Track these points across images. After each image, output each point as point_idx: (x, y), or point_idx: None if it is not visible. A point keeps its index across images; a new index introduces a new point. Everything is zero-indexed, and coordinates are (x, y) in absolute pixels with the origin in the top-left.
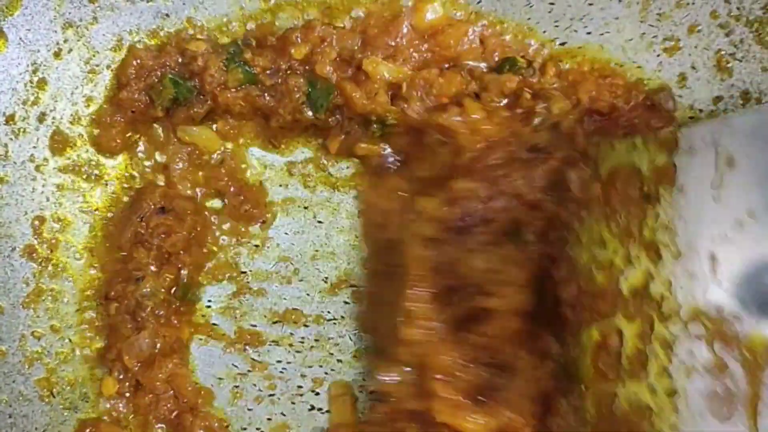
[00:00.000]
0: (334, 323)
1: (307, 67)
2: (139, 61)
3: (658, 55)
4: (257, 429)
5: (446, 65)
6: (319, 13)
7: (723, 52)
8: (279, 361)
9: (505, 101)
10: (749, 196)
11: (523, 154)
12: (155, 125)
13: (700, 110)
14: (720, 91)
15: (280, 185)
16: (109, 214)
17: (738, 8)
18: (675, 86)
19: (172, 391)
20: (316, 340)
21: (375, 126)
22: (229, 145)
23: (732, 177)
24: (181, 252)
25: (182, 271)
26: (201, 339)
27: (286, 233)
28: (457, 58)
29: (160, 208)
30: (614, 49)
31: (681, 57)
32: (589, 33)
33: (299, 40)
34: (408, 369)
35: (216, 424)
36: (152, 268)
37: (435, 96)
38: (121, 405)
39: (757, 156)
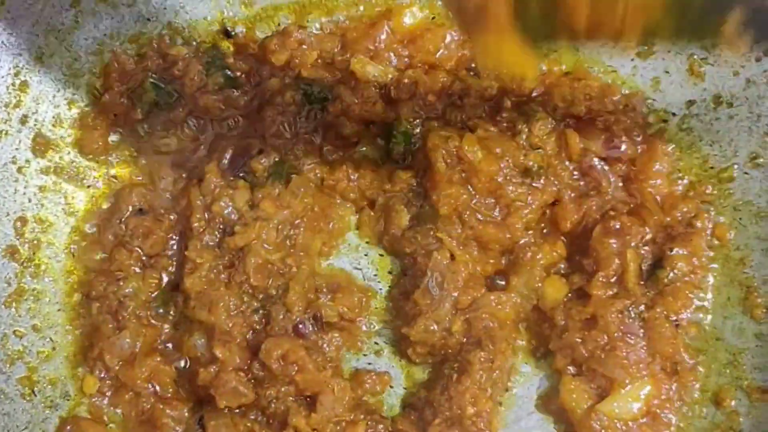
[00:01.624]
0: None
1: (291, 73)
2: (120, 65)
3: (633, 60)
4: None
5: (426, 68)
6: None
7: (695, 57)
8: None
9: (485, 107)
10: None
11: (515, 179)
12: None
13: (673, 114)
14: (692, 95)
15: None
16: (91, 216)
17: None
18: (649, 90)
19: (152, 388)
20: None
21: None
22: None
23: None
24: (167, 255)
25: (164, 275)
26: None
27: None
28: (437, 62)
29: (139, 210)
30: (589, 52)
31: (654, 61)
32: None
33: (277, 46)
34: None
35: (186, 413)
36: (135, 269)
37: (423, 94)
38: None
39: None
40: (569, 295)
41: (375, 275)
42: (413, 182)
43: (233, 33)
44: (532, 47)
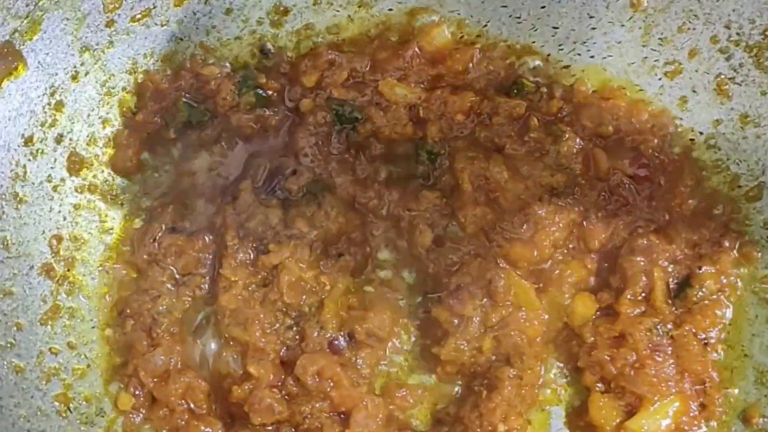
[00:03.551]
0: None
1: (322, 94)
2: (154, 84)
3: (660, 79)
4: None
5: (455, 88)
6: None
7: (723, 76)
8: None
9: (514, 126)
10: None
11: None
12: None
13: (701, 132)
14: (719, 114)
15: None
16: (124, 234)
17: (738, 33)
18: (676, 109)
19: (186, 404)
20: None
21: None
22: None
23: None
24: (201, 273)
25: (197, 292)
26: None
27: None
28: (465, 82)
29: (172, 228)
30: (617, 72)
31: (682, 80)
32: (592, 57)
33: (308, 67)
34: None
35: (220, 430)
36: (169, 287)
37: (451, 114)
38: (137, 419)
39: None
40: (598, 312)
41: (405, 293)
42: (439, 202)
43: (270, 52)
44: None
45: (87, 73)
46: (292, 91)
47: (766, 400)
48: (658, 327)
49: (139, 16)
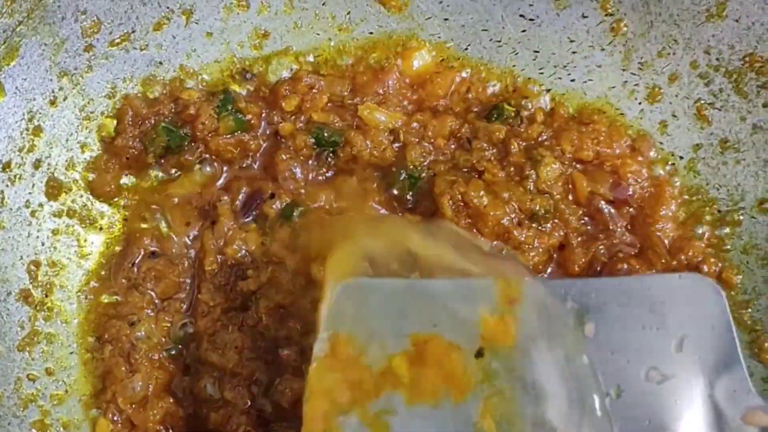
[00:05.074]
0: None
1: (303, 117)
2: (133, 109)
3: (640, 103)
4: None
5: (435, 111)
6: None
7: (703, 101)
8: None
9: (494, 151)
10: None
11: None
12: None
13: (681, 157)
14: (700, 139)
15: None
16: (103, 259)
17: (717, 59)
18: (656, 133)
19: (164, 430)
20: None
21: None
22: None
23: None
24: (180, 298)
25: (176, 318)
26: None
27: None
28: (446, 106)
29: (151, 253)
30: (597, 96)
31: (662, 105)
32: (572, 80)
33: (288, 92)
34: None
35: None
36: (148, 312)
37: (431, 137)
38: None
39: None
40: None
41: None
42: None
43: (251, 75)
44: None
45: (65, 98)
46: (272, 115)
47: None
48: None
49: (118, 41)
